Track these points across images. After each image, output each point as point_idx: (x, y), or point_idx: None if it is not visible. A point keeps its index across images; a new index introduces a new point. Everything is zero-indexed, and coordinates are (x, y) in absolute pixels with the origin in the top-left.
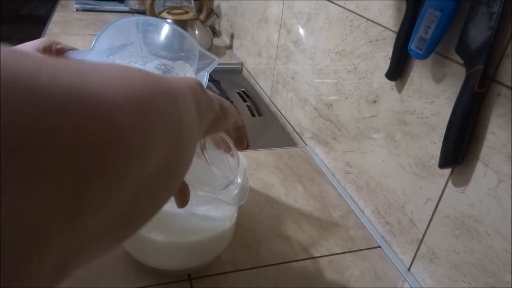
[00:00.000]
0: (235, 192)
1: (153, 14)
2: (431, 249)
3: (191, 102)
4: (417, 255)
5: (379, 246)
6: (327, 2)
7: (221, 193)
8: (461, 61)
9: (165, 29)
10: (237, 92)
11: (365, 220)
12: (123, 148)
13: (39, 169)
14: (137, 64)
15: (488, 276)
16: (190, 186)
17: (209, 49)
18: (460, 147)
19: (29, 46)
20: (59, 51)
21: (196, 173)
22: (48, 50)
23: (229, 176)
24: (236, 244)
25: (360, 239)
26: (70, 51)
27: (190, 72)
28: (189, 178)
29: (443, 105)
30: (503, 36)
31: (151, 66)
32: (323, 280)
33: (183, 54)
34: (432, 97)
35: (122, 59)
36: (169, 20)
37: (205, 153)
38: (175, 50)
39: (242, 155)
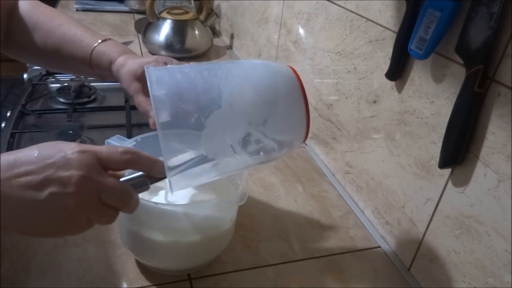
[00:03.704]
0: (235, 192)
1: (153, 14)
2: (431, 249)
3: None
4: (417, 255)
5: (379, 246)
6: (327, 2)
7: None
8: (461, 61)
9: None
10: None
11: (365, 220)
12: None
13: None
14: None
15: (488, 276)
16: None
17: (209, 49)
18: (460, 147)
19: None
20: None
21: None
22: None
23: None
24: (236, 244)
25: (360, 239)
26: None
27: None
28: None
29: (443, 105)
30: (503, 36)
31: None
32: (323, 280)
33: None
34: (432, 97)
35: None
36: (168, 21)
37: None
38: None
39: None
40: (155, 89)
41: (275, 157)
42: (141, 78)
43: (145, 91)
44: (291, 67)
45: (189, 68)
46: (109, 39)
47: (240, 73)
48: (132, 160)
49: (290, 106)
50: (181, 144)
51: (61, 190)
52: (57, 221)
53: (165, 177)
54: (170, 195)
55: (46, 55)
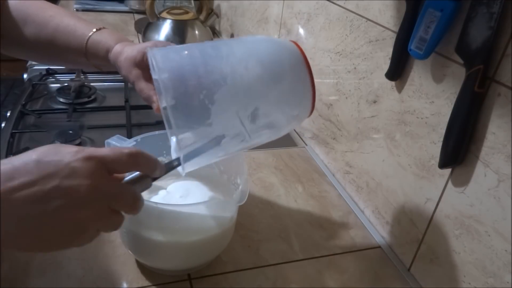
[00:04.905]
0: (235, 192)
1: (153, 14)
2: (431, 249)
3: None
4: (417, 255)
5: (379, 246)
6: (327, 2)
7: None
8: (461, 61)
9: None
10: None
11: (365, 220)
12: None
13: None
14: None
15: (488, 276)
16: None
17: None
18: (460, 147)
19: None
20: None
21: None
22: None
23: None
24: (236, 244)
25: (360, 239)
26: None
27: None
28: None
29: (443, 105)
30: (503, 36)
31: None
32: (323, 280)
33: None
34: (432, 97)
35: None
36: (168, 21)
37: None
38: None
39: (242, 155)
40: (160, 71)
41: (283, 131)
42: (140, 64)
43: (146, 77)
44: (294, 42)
45: (193, 46)
46: (104, 27)
47: (245, 48)
48: (138, 162)
49: (296, 79)
50: (189, 123)
51: (69, 202)
52: (65, 235)
53: (161, 176)
54: (169, 195)
55: (40, 48)
